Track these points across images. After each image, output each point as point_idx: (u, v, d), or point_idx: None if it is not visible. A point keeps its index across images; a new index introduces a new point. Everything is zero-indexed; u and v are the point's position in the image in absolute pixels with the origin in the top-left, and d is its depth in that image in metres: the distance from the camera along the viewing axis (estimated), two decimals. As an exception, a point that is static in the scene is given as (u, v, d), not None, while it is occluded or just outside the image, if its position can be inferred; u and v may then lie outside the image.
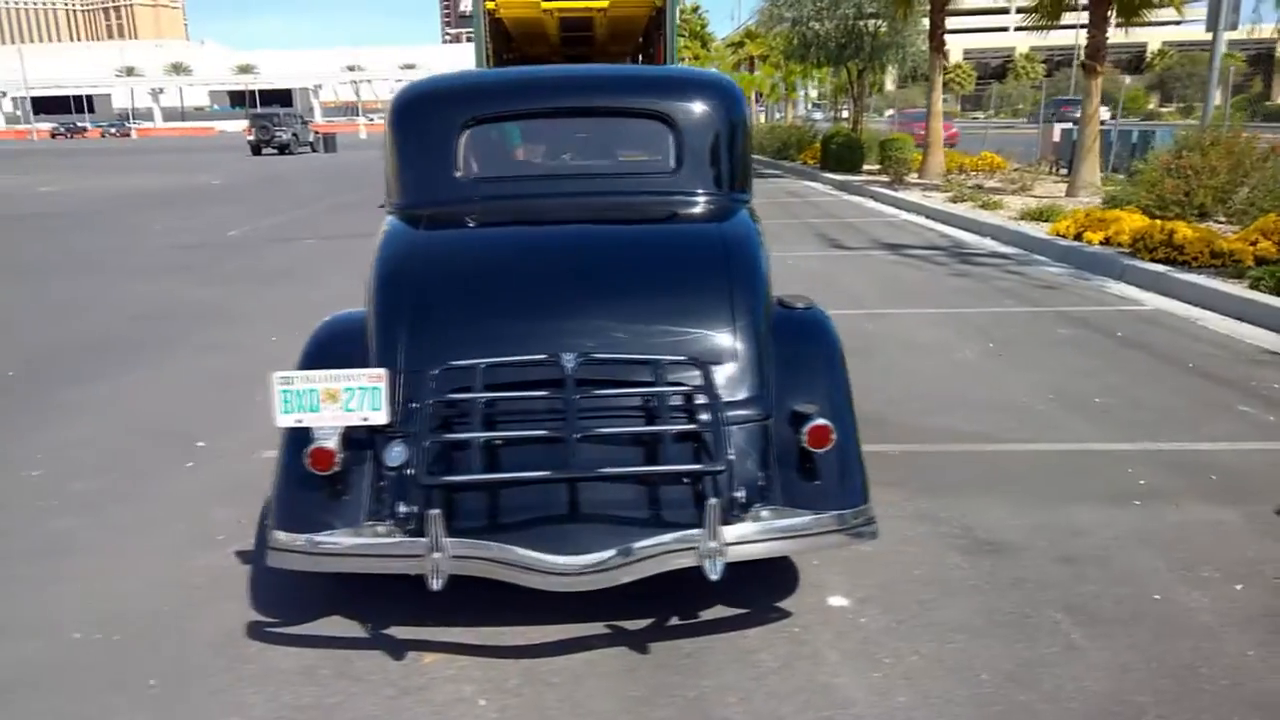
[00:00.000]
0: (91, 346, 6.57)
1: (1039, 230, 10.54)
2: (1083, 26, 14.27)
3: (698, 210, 3.52)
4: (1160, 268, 8.06)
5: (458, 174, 3.52)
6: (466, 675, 2.61)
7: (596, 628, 2.83)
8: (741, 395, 2.82)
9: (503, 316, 2.92)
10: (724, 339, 2.90)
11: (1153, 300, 7.55)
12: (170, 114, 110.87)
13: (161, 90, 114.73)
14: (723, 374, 2.83)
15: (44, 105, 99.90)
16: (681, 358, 2.77)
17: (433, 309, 2.93)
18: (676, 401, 2.71)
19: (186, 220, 14.64)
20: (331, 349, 2.99)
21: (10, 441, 4.60)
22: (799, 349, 3.05)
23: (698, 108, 3.61)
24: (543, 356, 2.73)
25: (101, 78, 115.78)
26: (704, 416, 2.66)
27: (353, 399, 2.67)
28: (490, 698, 2.52)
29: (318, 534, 2.56)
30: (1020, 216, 11.70)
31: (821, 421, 2.72)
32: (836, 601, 3.00)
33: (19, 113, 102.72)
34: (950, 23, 19.03)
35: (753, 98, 36.14)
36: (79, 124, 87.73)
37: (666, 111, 3.59)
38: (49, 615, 2.97)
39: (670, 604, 2.93)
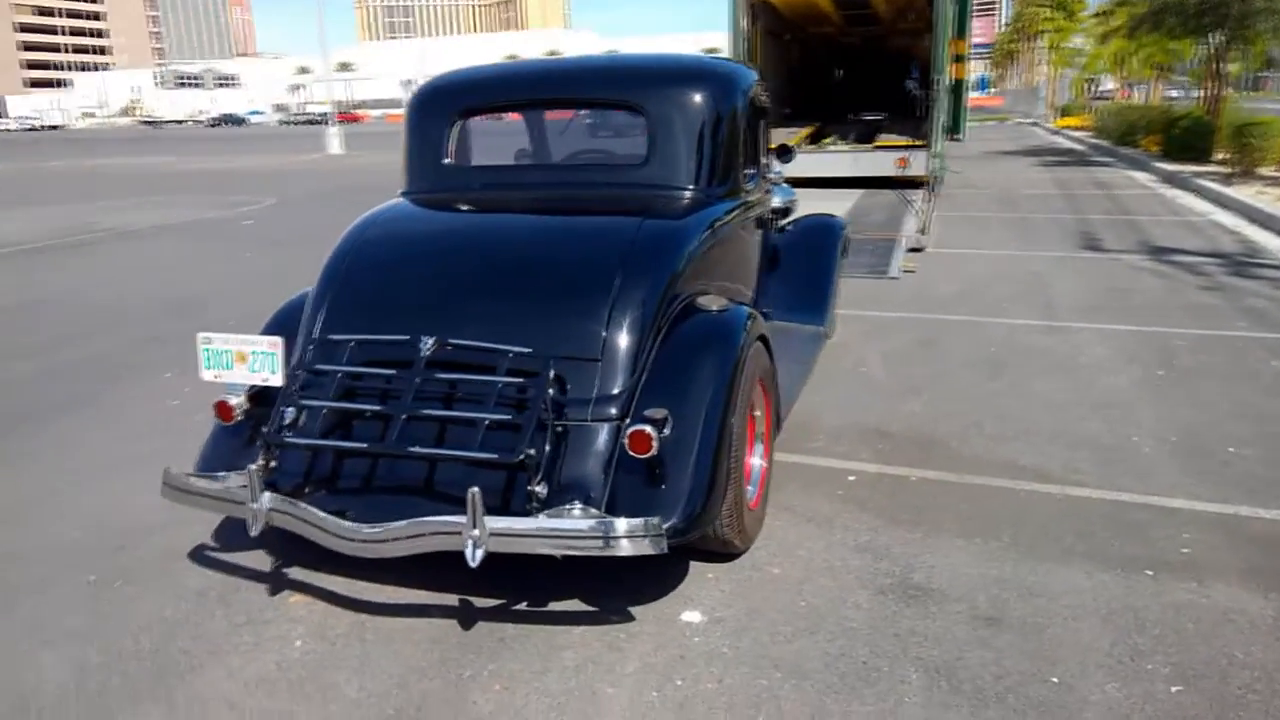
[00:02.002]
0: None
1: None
2: None
3: (646, 204, 3.47)
4: None
5: (446, 163, 3.77)
6: (306, 619, 2.90)
7: (451, 599, 2.98)
8: (591, 395, 2.82)
9: (396, 299, 3.14)
10: (591, 338, 2.89)
11: None
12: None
13: (411, 81, 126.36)
14: (577, 372, 2.84)
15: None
16: (527, 350, 2.82)
17: (343, 287, 3.22)
18: (509, 393, 2.77)
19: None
20: (284, 315, 3.39)
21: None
22: (687, 354, 2.96)
23: (672, 99, 3.54)
24: (405, 338, 2.91)
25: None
26: (523, 410, 2.70)
27: (256, 361, 3.05)
28: (306, 641, 2.78)
29: (198, 475, 2.96)
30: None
31: (639, 427, 2.66)
32: (689, 616, 2.89)
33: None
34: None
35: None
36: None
37: (639, 103, 3.56)
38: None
39: (535, 590, 3.00)
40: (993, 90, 75.37)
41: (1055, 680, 2.55)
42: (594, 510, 2.63)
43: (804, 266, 5.33)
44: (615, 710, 2.46)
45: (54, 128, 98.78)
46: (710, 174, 3.57)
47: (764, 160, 4.57)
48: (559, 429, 2.79)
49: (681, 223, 3.36)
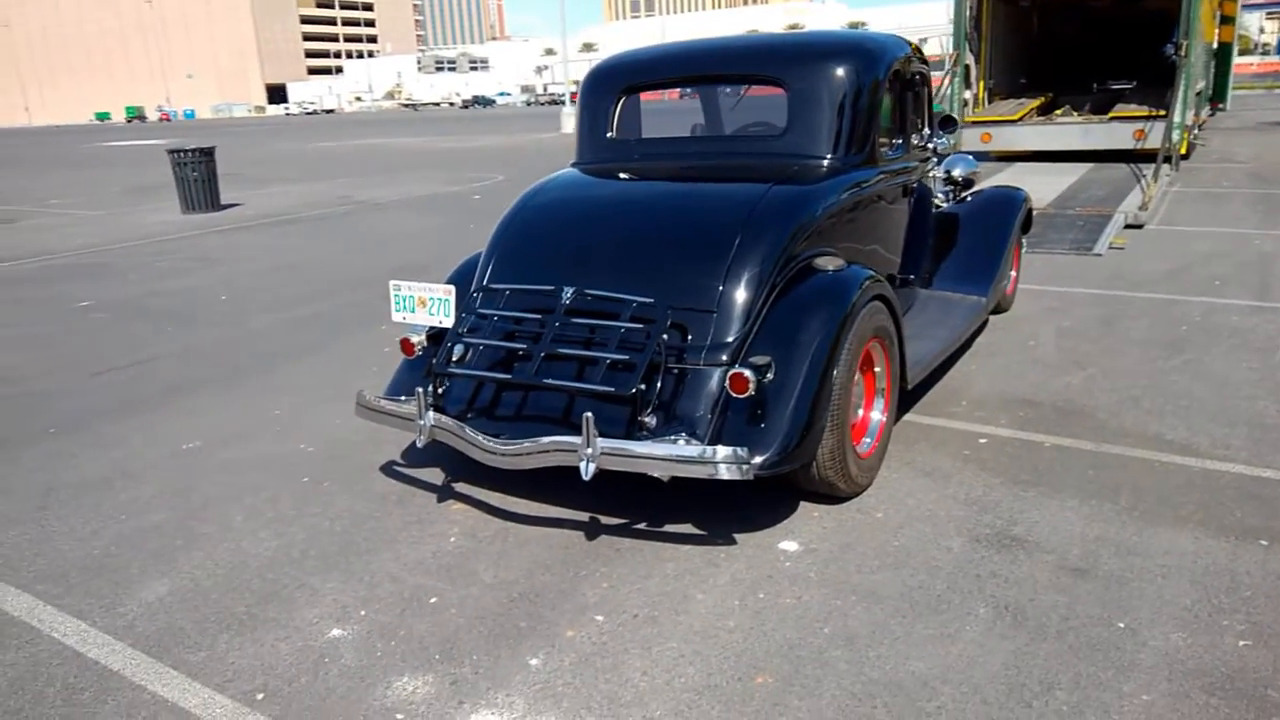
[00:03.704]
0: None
1: None
2: None
3: (781, 172, 3.73)
4: None
5: (610, 136, 4.20)
6: (462, 521, 3.46)
7: (583, 516, 3.44)
8: (705, 342, 3.17)
9: (547, 255, 3.61)
10: (708, 291, 3.24)
11: None
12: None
13: None
14: (694, 321, 3.20)
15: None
16: (649, 300, 3.20)
17: (507, 245, 3.73)
18: (631, 337, 3.17)
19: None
20: (463, 269, 3.96)
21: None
22: (798, 309, 3.24)
23: (809, 73, 3.78)
24: (551, 288, 3.38)
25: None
26: (640, 352, 3.10)
27: (434, 306, 3.64)
28: (459, 539, 3.33)
29: (384, 397, 3.57)
30: None
31: (739, 370, 2.97)
32: (787, 545, 3.19)
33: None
34: None
35: None
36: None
37: (779, 77, 3.83)
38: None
39: (656, 513, 3.40)
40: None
41: (1121, 625, 2.65)
42: (695, 441, 2.98)
43: (975, 238, 5.37)
44: (700, 611, 2.82)
45: (328, 111, 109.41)
46: (848, 144, 3.78)
47: (921, 130, 4.68)
48: (675, 370, 3.16)
49: (808, 189, 3.61)
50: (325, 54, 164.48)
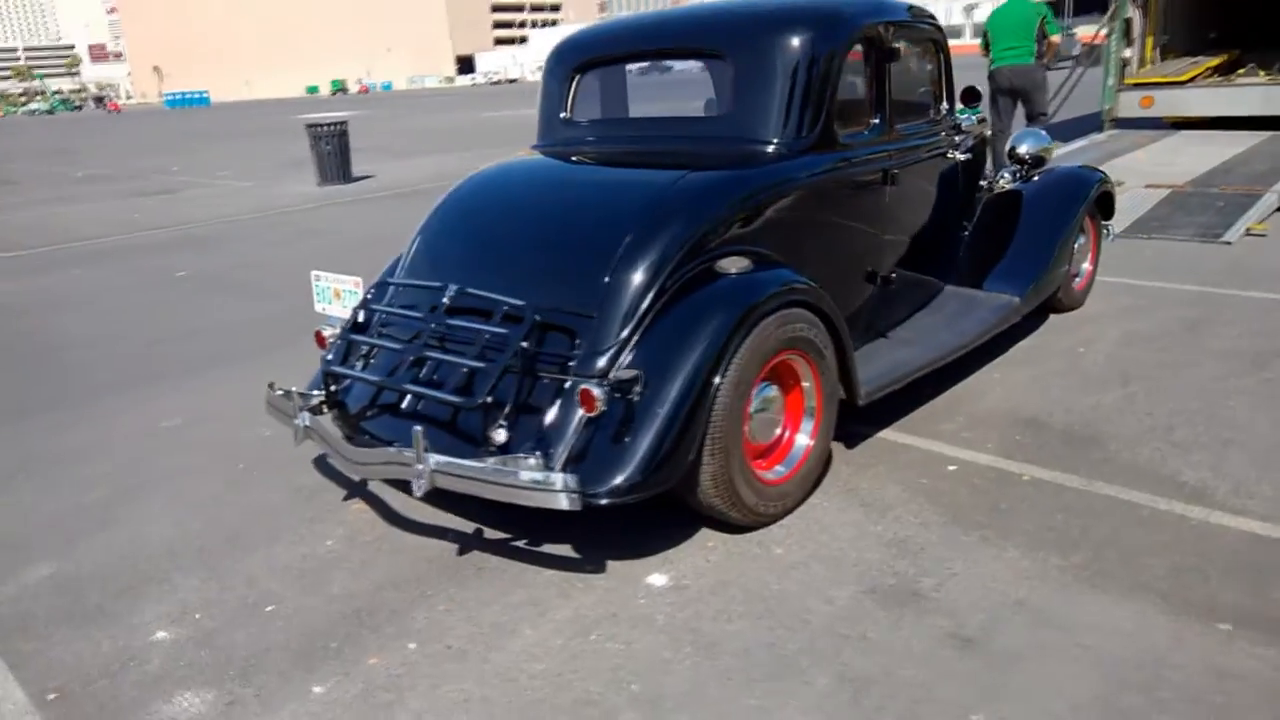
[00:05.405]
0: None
1: None
2: None
3: (709, 158, 3.36)
4: None
5: (563, 117, 3.93)
6: (351, 524, 3.34)
7: (470, 527, 3.25)
8: (576, 350, 2.89)
9: (449, 249, 3.42)
10: (587, 294, 2.95)
11: None
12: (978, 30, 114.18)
13: (975, 5, 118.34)
14: (570, 327, 2.93)
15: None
16: (520, 303, 2.95)
17: (421, 237, 3.54)
18: (496, 342, 2.93)
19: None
20: (395, 260, 3.82)
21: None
22: (685, 317, 2.91)
23: (748, 45, 3.38)
24: (438, 285, 3.18)
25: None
26: (493, 358, 2.85)
27: (347, 298, 3.53)
28: (336, 542, 3.22)
29: (301, 391, 3.47)
30: None
31: (585, 386, 2.69)
32: (655, 579, 2.88)
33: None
34: None
35: None
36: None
37: (720, 50, 3.44)
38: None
39: (547, 531, 3.14)
40: None
41: (977, 718, 2.20)
42: (537, 461, 2.71)
43: (1026, 227, 4.74)
44: (518, 648, 2.58)
45: (511, 81, 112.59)
46: (797, 126, 3.35)
47: (938, 105, 4.13)
48: (546, 380, 2.90)
49: (727, 178, 3.22)
50: (510, 24, 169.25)
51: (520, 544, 3.13)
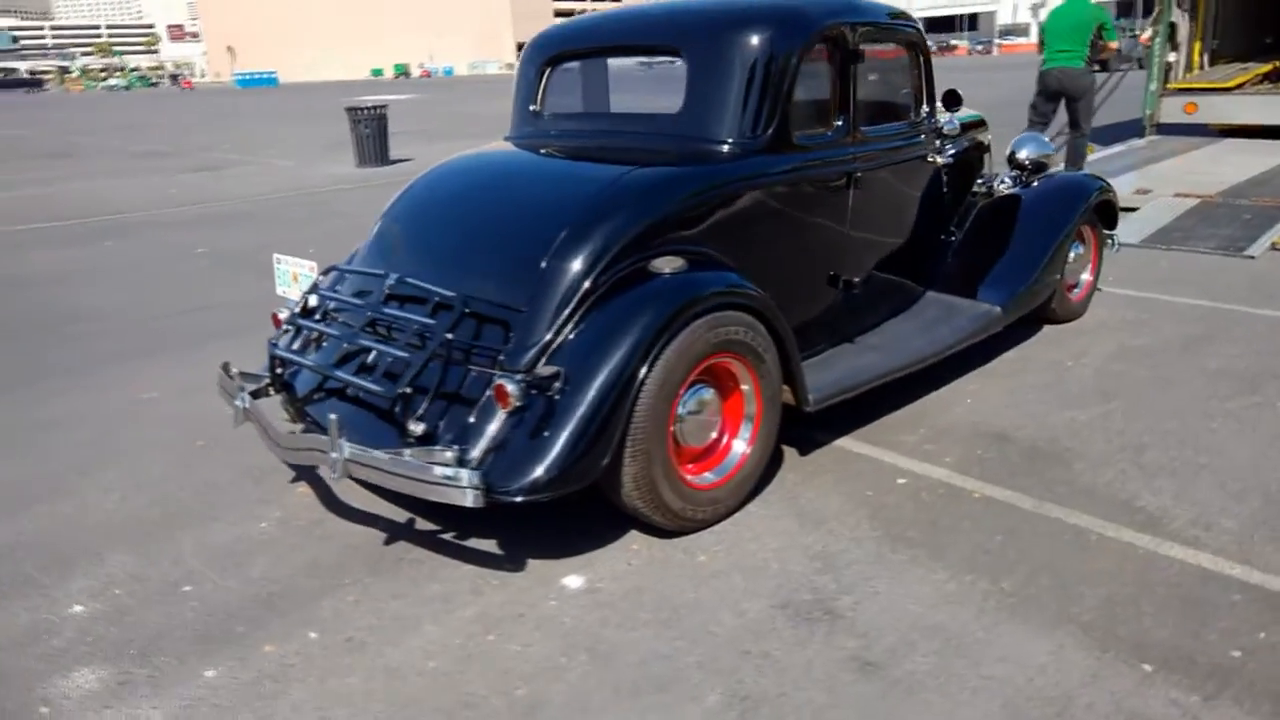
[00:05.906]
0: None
1: None
2: None
3: (657, 156, 3.30)
4: None
5: (533, 109, 3.89)
6: (291, 507, 3.35)
7: (404, 516, 3.23)
8: (503, 345, 2.85)
9: (399, 239, 3.40)
10: (516, 289, 2.92)
11: None
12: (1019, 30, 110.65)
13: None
14: (499, 321, 2.90)
15: (931, 25, 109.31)
16: (450, 294, 2.92)
17: (379, 225, 3.54)
18: (423, 332, 2.91)
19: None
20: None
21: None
22: (612, 315, 2.85)
23: (705, 43, 3.30)
24: (380, 274, 3.17)
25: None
26: (416, 350, 2.83)
27: (304, 282, 3.54)
28: (271, 525, 3.23)
29: (231, 374, 3.48)
30: None
31: (500, 382, 2.65)
32: (571, 581, 2.84)
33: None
34: None
35: None
36: (950, 42, 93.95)
37: (677, 47, 3.37)
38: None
39: (481, 524, 3.11)
40: None
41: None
42: (452, 455, 2.68)
43: (1016, 234, 4.59)
44: (416, 644, 2.56)
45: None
46: (752, 126, 3.26)
47: (919, 109, 4.01)
48: (474, 374, 2.87)
49: (670, 176, 3.15)
50: (569, 13, 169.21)
51: (448, 536, 3.11)
